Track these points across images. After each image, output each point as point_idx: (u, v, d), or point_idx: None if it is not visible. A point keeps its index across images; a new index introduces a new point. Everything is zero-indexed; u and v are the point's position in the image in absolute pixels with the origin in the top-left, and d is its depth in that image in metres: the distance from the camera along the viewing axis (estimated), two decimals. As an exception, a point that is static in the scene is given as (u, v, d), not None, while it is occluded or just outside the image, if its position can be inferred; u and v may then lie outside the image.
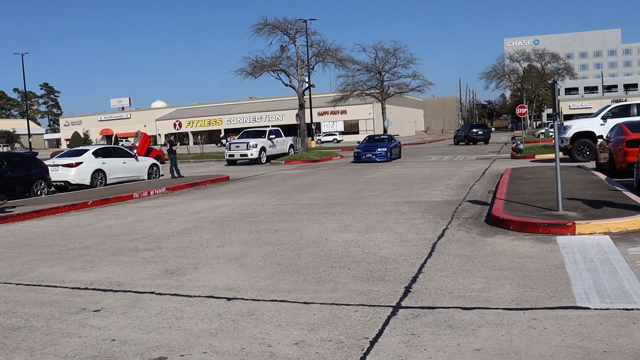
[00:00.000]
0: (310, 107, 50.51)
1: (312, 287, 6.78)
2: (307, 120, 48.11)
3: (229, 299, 6.46)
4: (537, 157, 29.59)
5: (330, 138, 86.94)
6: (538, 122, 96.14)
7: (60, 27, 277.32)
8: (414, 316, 5.55)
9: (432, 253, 8.24)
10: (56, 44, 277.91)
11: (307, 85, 45.84)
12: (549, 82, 76.35)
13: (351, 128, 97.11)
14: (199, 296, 6.67)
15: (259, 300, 6.36)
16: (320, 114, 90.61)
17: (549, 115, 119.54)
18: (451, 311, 5.65)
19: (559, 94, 68.11)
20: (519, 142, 32.14)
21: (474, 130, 56.68)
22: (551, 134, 62.40)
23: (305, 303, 6.14)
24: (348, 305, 6.00)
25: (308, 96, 48.85)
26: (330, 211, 13.03)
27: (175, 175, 25.94)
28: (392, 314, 5.66)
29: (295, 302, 6.21)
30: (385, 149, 33.31)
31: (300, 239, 9.81)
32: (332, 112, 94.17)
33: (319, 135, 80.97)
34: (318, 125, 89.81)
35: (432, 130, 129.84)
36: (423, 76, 71.15)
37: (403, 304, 5.95)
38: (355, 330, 5.27)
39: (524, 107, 42.67)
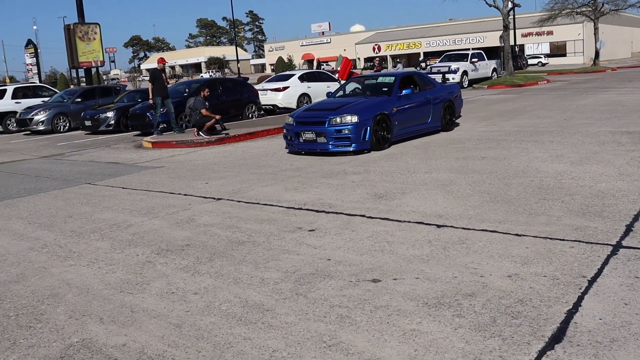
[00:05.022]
0: (514, 29, 47.95)
1: (524, 218, 6.60)
2: (511, 42, 45.86)
3: (438, 226, 6.50)
4: None
5: (535, 61, 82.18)
6: None
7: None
8: (637, 257, 5.20)
9: (656, 189, 7.64)
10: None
11: (512, 5, 43.45)
12: None
13: (558, 50, 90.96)
14: (409, 222, 6.77)
15: (469, 229, 6.32)
16: (523, 35, 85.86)
17: None
18: (681, 254, 5.24)
19: None
20: None
21: None
22: None
23: (517, 235, 6.01)
24: (563, 240, 5.77)
25: (512, 17, 46.37)
26: (539, 139, 12.46)
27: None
28: (612, 253, 5.35)
29: (506, 233, 6.10)
30: (355, 121, 12.00)
31: (509, 168, 9.53)
32: (537, 34, 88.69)
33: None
34: (522, 47, 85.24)
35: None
36: (645, -10, 64.58)
37: (624, 243, 5.59)
38: (572, 267, 5.07)
39: None
